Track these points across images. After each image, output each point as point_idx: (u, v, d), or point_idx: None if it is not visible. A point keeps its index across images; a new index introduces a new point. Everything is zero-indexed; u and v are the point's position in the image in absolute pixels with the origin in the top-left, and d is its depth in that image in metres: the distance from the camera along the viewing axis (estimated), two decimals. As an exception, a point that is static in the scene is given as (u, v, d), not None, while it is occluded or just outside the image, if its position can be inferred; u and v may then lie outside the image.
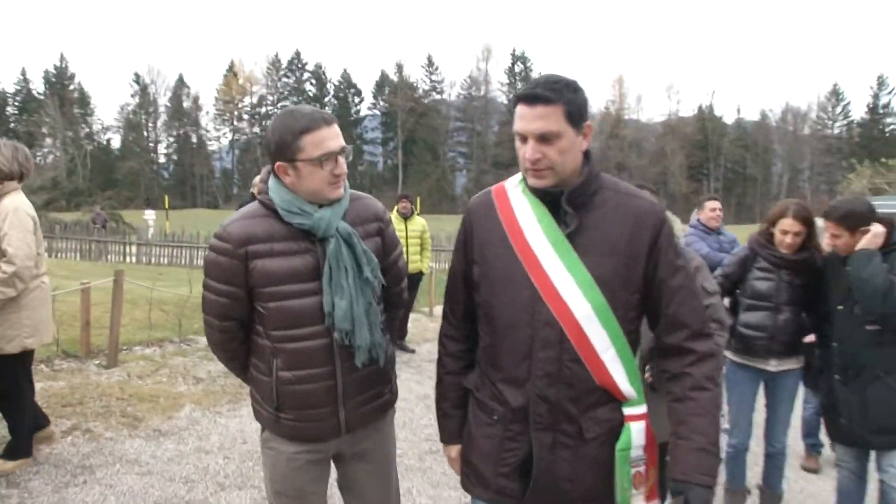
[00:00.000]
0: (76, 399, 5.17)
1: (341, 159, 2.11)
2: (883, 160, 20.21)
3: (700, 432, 1.85)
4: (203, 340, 7.46)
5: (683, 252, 2.48)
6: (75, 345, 6.31)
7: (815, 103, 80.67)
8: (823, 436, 4.48)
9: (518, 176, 2.03)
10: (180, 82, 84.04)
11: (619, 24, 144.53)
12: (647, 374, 2.71)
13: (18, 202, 3.83)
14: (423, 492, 4.25)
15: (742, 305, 3.78)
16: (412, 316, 9.61)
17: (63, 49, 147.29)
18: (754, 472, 4.26)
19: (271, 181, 2.15)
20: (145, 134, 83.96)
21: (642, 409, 1.95)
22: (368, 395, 2.27)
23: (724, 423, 5.52)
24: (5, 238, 3.67)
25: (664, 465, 2.61)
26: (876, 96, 77.66)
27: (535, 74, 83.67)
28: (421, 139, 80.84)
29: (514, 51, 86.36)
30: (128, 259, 21.68)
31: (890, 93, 77.26)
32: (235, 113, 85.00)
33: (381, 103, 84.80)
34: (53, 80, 79.83)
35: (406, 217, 8.41)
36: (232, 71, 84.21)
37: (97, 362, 6.17)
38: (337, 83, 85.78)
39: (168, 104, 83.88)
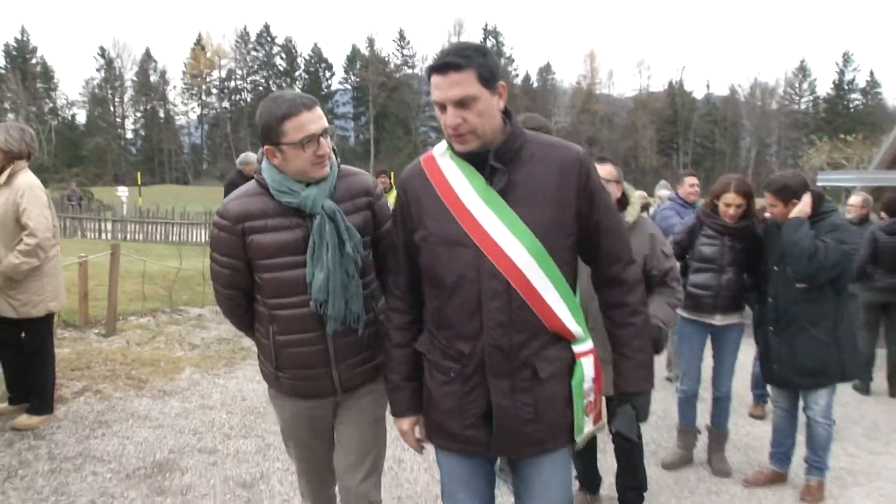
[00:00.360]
0: (83, 364, 5.55)
1: (323, 140, 2.22)
2: (842, 136, 20.93)
3: (640, 350, 2.09)
4: (194, 310, 7.87)
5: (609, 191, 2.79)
6: (74, 315, 6.65)
7: (783, 79, 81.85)
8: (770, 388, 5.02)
9: (443, 144, 2.11)
10: (147, 56, 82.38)
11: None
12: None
13: (31, 180, 4.18)
14: (419, 464, 4.70)
15: (691, 268, 4.27)
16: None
17: (24, 22, 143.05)
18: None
19: (264, 162, 2.31)
20: (112, 109, 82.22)
21: (589, 345, 2.09)
22: (361, 358, 2.42)
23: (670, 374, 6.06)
24: (25, 213, 4.03)
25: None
26: (841, 73, 78.82)
27: (506, 49, 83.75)
28: (392, 114, 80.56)
29: (485, 25, 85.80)
30: (103, 236, 21.72)
31: (855, 69, 78.78)
32: (204, 87, 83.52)
33: (353, 78, 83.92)
34: (14, 53, 77.73)
35: (385, 191, 8.80)
36: (200, 44, 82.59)
37: (96, 331, 6.53)
38: (307, 57, 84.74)
39: (135, 78, 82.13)
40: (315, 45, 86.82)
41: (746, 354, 4.19)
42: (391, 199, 8.02)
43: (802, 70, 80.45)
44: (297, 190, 2.25)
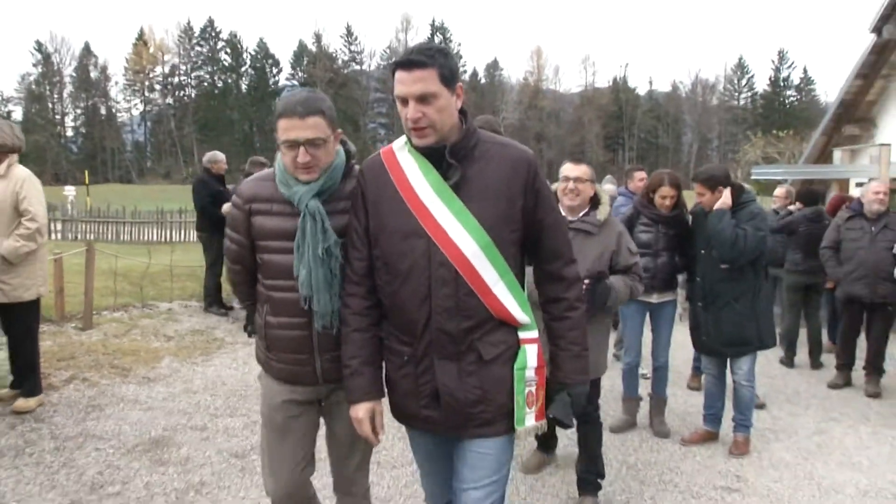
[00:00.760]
0: (67, 354, 5.82)
1: (305, 150, 2.24)
2: (774, 132, 22.03)
3: (575, 342, 2.21)
4: (164, 305, 8.14)
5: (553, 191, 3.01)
6: (50, 310, 6.86)
7: (723, 75, 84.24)
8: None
9: (402, 139, 2.21)
10: (87, 51, 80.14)
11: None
12: None
13: (27, 171, 4.52)
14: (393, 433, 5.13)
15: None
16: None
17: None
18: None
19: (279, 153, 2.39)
20: (50, 106, 79.93)
21: (535, 333, 2.19)
22: None
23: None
24: (25, 200, 4.37)
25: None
26: (777, 70, 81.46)
27: (454, 45, 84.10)
28: (341, 110, 79.74)
29: (433, 21, 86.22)
30: (53, 236, 21.43)
31: (790, 67, 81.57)
32: (147, 83, 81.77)
33: (300, 74, 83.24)
34: (-55, 48, 74.90)
35: None
36: (142, 39, 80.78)
37: (73, 325, 6.77)
38: (253, 52, 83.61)
39: (74, 74, 79.95)
40: (261, 39, 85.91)
41: (686, 334, 4.74)
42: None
43: (741, 67, 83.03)
44: (291, 184, 2.34)
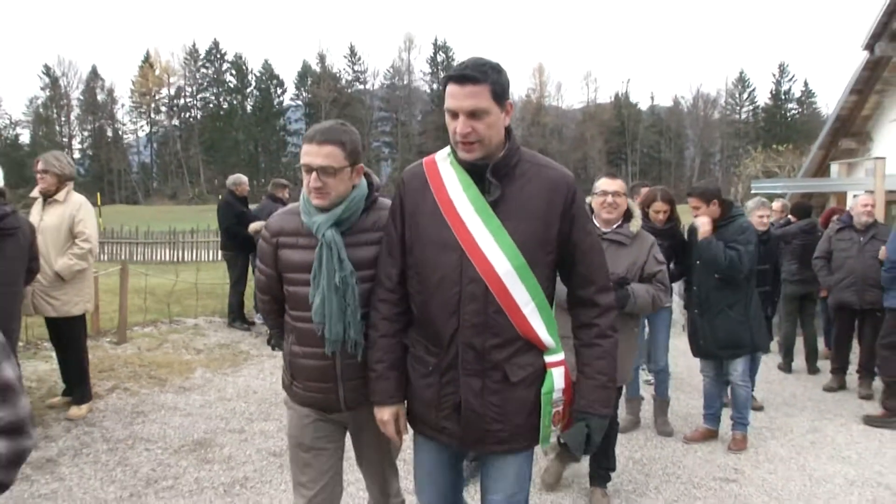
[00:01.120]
0: (107, 366, 6.21)
1: (317, 175, 2.28)
2: (774, 146, 22.43)
3: (602, 372, 2.16)
4: (190, 321, 8.52)
5: (590, 217, 3.23)
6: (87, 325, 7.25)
7: (724, 89, 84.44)
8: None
9: (446, 149, 2.21)
10: (94, 74, 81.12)
11: (538, 13, 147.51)
12: None
13: (82, 197, 4.96)
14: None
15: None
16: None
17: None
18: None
19: None
20: (57, 128, 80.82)
21: (560, 356, 2.19)
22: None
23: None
24: (81, 223, 4.83)
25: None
26: (778, 83, 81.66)
27: (456, 64, 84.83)
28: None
29: (435, 40, 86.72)
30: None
31: (791, 80, 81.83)
32: (153, 105, 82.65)
33: (304, 94, 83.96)
34: (-45, 73, 75.94)
35: (283, 204, 9.34)
36: (148, 62, 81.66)
37: (108, 339, 7.17)
38: (258, 74, 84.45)
39: (81, 97, 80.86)
40: (266, 61, 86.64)
41: (687, 342, 5.09)
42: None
43: (742, 81, 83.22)
44: (312, 213, 2.38)
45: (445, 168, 2.17)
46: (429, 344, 2.18)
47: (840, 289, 6.34)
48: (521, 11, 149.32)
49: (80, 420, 4.96)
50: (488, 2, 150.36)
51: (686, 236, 5.00)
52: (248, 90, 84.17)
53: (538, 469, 4.23)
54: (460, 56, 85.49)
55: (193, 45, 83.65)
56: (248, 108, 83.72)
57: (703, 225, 4.62)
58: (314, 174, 2.29)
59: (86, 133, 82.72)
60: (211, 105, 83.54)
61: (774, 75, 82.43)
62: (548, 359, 2.17)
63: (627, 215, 3.88)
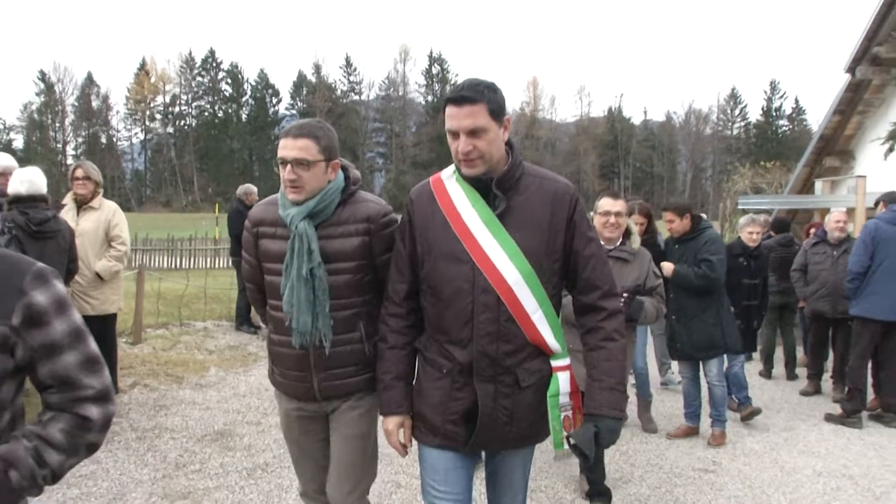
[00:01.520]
0: (126, 364, 6.57)
1: (291, 168, 2.34)
2: (762, 163, 22.95)
3: (610, 375, 2.19)
4: (199, 324, 8.89)
5: (592, 225, 3.14)
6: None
7: (716, 105, 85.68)
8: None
9: (451, 168, 2.29)
10: (89, 81, 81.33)
11: (532, 27, 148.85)
12: None
13: (114, 203, 5.40)
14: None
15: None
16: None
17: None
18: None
19: None
20: (52, 134, 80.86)
21: (566, 361, 2.27)
22: (342, 371, 2.50)
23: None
24: (117, 227, 5.27)
25: None
26: (769, 100, 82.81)
27: (451, 76, 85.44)
28: (340, 140, 79.23)
29: (431, 52, 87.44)
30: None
31: (782, 97, 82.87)
32: (148, 112, 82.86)
33: (300, 104, 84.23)
34: (-50, 77, 75.89)
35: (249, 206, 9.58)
36: (144, 69, 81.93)
37: (124, 340, 7.52)
38: (254, 83, 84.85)
39: (76, 103, 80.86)
40: (261, 70, 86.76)
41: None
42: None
43: (734, 97, 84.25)
44: (287, 206, 2.44)
45: (452, 185, 2.26)
46: (443, 350, 2.24)
47: (815, 299, 6.78)
48: (516, 25, 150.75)
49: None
50: (484, 15, 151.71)
51: (663, 247, 5.45)
52: (244, 99, 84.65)
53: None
54: (455, 68, 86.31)
55: (190, 54, 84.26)
56: (244, 116, 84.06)
57: (666, 271, 5.02)
58: (289, 167, 2.36)
59: (80, 139, 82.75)
60: (206, 113, 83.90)
61: (766, 92, 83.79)
62: (554, 363, 2.25)
63: (627, 233, 4.09)
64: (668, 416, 6.03)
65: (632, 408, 5.87)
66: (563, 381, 2.24)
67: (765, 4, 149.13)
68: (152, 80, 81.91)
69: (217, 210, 37.24)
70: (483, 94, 2.10)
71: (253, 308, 3.10)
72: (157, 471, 4.36)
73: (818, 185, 13.37)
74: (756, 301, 6.14)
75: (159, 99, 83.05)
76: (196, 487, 4.13)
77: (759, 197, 17.46)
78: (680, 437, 5.43)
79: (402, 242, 2.33)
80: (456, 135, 2.13)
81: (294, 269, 2.38)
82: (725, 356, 5.36)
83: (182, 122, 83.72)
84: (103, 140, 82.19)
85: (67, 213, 5.35)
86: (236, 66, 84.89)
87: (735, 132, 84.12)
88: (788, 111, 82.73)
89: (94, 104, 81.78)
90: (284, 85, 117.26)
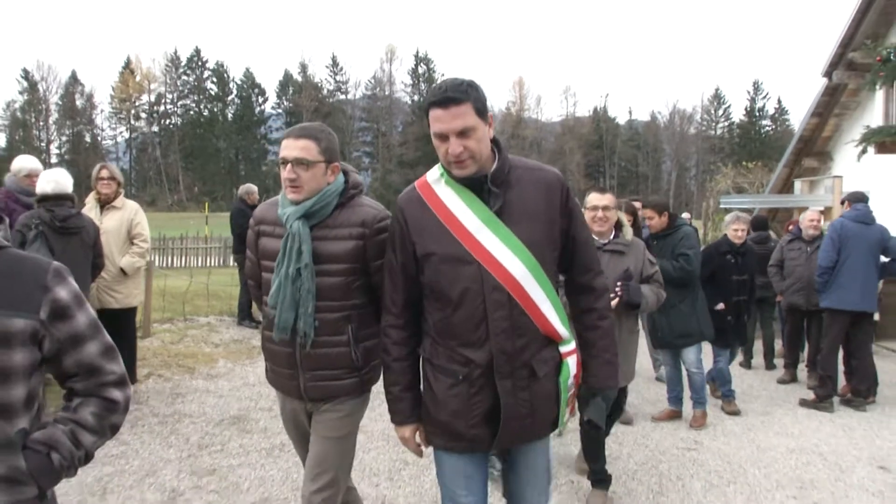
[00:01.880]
0: (139, 356, 6.85)
1: (291, 167, 2.42)
2: (744, 163, 23.51)
3: (606, 350, 2.34)
4: (202, 319, 9.20)
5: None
6: (111, 321, 7.92)
7: (700, 106, 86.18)
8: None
9: (436, 171, 2.27)
10: (73, 79, 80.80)
11: (517, 27, 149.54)
12: None
13: (135, 203, 5.74)
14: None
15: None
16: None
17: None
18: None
19: None
20: (35, 133, 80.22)
21: (573, 345, 2.33)
22: (329, 373, 2.54)
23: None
24: (139, 225, 5.61)
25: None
26: (753, 100, 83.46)
27: (437, 76, 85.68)
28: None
29: (417, 52, 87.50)
30: (59, 260, 22.22)
31: (765, 97, 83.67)
32: (132, 111, 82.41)
33: (286, 103, 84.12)
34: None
35: None
36: (129, 68, 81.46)
37: (134, 334, 7.84)
38: (239, 82, 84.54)
39: (60, 102, 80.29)
40: (247, 69, 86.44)
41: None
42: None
43: (717, 98, 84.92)
44: (285, 205, 2.52)
45: (441, 188, 2.23)
46: (455, 355, 2.22)
47: (791, 293, 7.21)
48: (502, 25, 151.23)
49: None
50: (470, 15, 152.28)
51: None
52: (230, 98, 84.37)
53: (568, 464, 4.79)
54: (441, 68, 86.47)
55: (175, 52, 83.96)
56: (229, 115, 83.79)
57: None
58: (289, 166, 2.43)
59: (64, 138, 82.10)
60: (191, 112, 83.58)
61: (749, 93, 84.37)
62: (563, 349, 2.30)
63: (619, 225, 4.22)
64: (653, 402, 6.42)
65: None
66: (572, 365, 2.31)
67: (749, 6, 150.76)
68: (137, 78, 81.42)
69: (206, 209, 37.34)
70: (467, 94, 2.09)
71: (254, 304, 3.21)
72: (182, 451, 4.69)
73: (797, 184, 13.80)
74: (745, 296, 6.47)
75: (144, 98, 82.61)
76: (220, 465, 4.48)
77: (740, 196, 17.91)
78: (664, 420, 5.82)
79: (394, 252, 2.31)
80: (444, 138, 2.11)
81: (283, 268, 2.44)
82: (704, 346, 5.75)
83: (167, 121, 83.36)
84: (87, 139, 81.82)
85: (90, 213, 5.67)
86: (222, 65, 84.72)
87: (719, 132, 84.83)
88: (771, 111, 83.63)
89: (79, 103, 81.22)
90: (270, 84, 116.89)
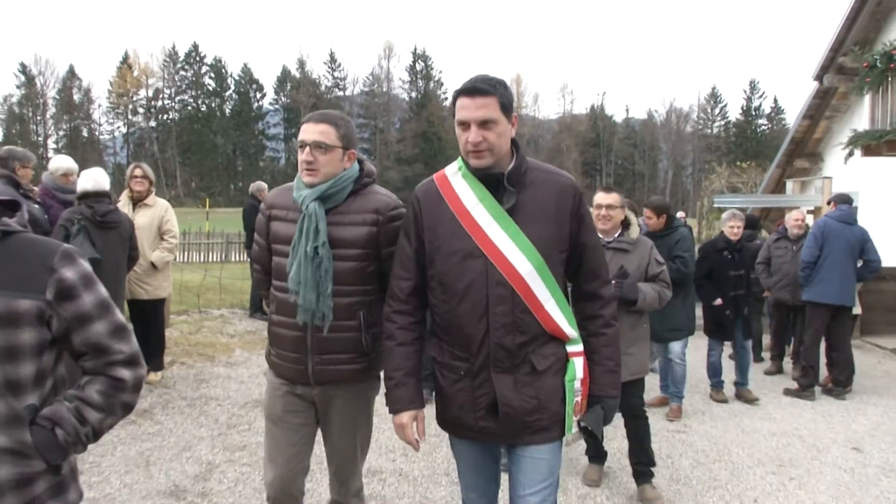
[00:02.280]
0: (161, 345, 7.28)
1: (310, 150, 2.45)
2: (738, 163, 23.92)
3: (610, 358, 2.32)
4: (215, 311, 9.59)
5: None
6: (131, 313, 8.31)
7: (696, 104, 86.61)
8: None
9: (455, 164, 2.31)
10: (71, 74, 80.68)
11: (516, 25, 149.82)
12: None
13: (164, 200, 6.12)
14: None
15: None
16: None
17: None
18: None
19: None
20: (32, 127, 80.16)
21: (581, 347, 2.31)
22: (338, 357, 2.54)
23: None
24: (169, 222, 6.01)
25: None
26: (749, 99, 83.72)
27: (435, 73, 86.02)
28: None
29: (415, 49, 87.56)
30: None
31: (761, 97, 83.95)
32: (130, 106, 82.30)
33: (284, 99, 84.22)
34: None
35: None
36: (126, 63, 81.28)
37: (153, 324, 8.23)
38: (237, 77, 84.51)
39: (57, 96, 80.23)
40: (245, 65, 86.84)
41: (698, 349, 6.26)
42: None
43: (714, 97, 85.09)
44: (301, 188, 2.54)
45: (458, 181, 2.28)
46: (457, 350, 2.27)
47: (777, 289, 7.63)
48: (500, 23, 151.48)
49: (156, 384, 6.04)
50: (468, 13, 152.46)
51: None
52: (227, 93, 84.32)
53: (578, 471, 4.66)
54: (439, 65, 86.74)
55: (173, 48, 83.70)
56: (227, 111, 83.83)
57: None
58: (307, 149, 2.46)
59: (61, 133, 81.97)
60: (189, 108, 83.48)
61: (745, 91, 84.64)
62: (570, 349, 2.30)
63: (626, 224, 4.27)
64: (647, 390, 6.81)
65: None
66: (578, 366, 2.30)
67: (746, 5, 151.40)
68: (135, 73, 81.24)
69: (206, 205, 37.66)
70: (495, 88, 2.16)
71: (254, 278, 3.35)
72: (212, 430, 5.10)
73: (789, 185, 14.18)
74: (743, 290, 6.71)
75: (142, 93, 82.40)
76: (249, 442, 4.88)
77: (733, 196, 18.29)
78: (656, 406, 6.23)
79: (408, 240, 2.36)
80: (466, 126, 2.16)
81: (301, 248, 2.44)
82: (699, 340, 6.16)
83: (165, 117, 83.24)
84: (85, 134, 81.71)
85: (123, 209, 6.05)
86: (220, 61, 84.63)
87: (715, 131, 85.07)
88: (767, 110, 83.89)
89: (76, 97, 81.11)
90: (268, 80, 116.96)
